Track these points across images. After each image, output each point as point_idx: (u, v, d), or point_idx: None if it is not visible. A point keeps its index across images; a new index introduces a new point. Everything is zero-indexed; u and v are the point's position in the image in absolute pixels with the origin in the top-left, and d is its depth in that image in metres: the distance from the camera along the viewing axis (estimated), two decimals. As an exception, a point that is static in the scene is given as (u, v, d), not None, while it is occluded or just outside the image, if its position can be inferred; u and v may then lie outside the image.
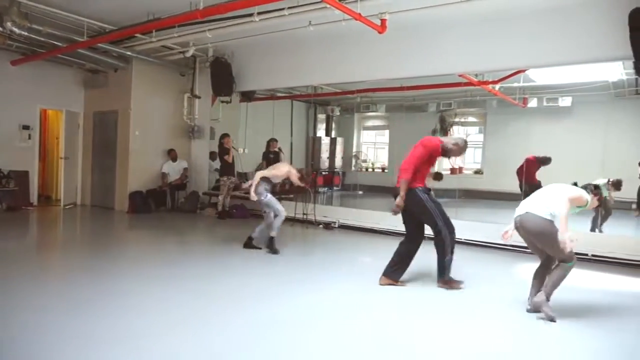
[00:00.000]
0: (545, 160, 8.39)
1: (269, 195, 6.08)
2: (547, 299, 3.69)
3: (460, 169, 12.82)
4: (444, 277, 4.54)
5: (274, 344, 3.14)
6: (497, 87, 9.24)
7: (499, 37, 6.70)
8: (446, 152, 4.61)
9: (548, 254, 3.86)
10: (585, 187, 3.91)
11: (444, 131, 12.99)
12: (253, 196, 5.96)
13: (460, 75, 8.14)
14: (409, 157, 4.47)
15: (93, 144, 10.40)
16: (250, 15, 6.54)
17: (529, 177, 8.31)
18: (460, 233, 6.95)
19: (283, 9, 6.32)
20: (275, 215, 6.06)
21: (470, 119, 13.36)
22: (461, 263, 5.44)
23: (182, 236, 7.71)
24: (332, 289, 4.52)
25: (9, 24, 7.10)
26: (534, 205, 3.76)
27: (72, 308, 3.67)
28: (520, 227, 3.81)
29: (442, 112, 12.57)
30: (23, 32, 7.32)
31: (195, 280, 4.65)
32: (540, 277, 3.89)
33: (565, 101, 10.49)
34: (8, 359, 2.75)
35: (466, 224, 7.43)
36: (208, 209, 9.51)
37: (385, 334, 3.38)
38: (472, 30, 6.86)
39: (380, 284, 4.57)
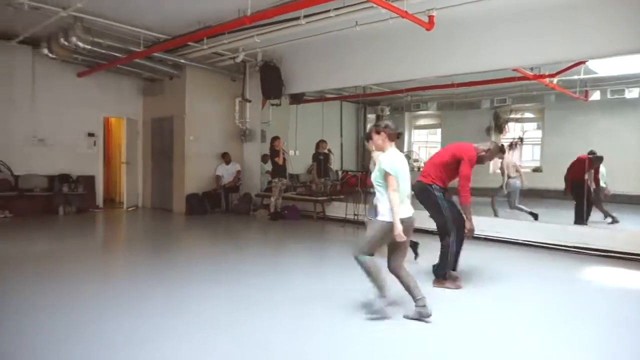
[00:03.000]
0: (598, 160, 7.82)
1: None
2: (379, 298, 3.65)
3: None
4: (439, 278, 4.58)
5: (323, 345, 3.15)
6: (554, 80, 8.79)
7: (555, 28, 6.37)
8: (480, 160, 4.66)
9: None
10: None
11: (499, 128, 12.54)
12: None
13: (514, 70, 7.82)
14: (462, 180, 4.46)
15: (152, 149, 10.91)
16: (297, 18, 6.62)
17: (579, 175, 7.80)
18: (517, 233, 6.79)
19: (329, 10, 6.35)
20: None
21: (527, 114, 12.80)
22: (515, 262, 5.26)
23: (237, 237, 7.90)
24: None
25: (74, 39, 7.62)
26: None
27: (126, 306, 3.86)
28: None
29: (497, 109, 12.14)
30: (86, 46, 7.81)
31: (247, 278, 4.76)
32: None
33: (632, 93, 9.82)
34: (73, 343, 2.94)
35: (522, 224, 7.17)
36: (261, 211, 9.69)
37: (436, 336, 3.31)
38: (525, 22, 6.57)
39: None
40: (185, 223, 8.95)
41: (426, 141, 15.44)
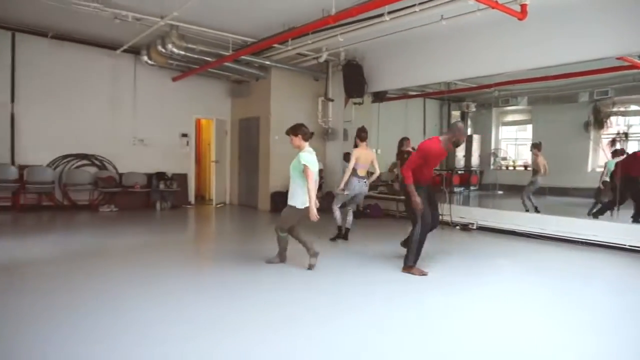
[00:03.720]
0: None
1: None
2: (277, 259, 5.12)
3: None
4: (407, 264, 4.89)
5: (394, 346, 3.10)
6: (669, 68, 7.93)
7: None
8: (455, 143, 4.77)
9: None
10: None
11: (599, 123, 11.55)
12: None
13: (619, 59, 7.16)
14: (405, 165, 4.77)
15: (239, 148, 11.40)
16: (381, 15, 6.57)
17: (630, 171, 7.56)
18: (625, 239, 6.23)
19: (414, 5, 6.23)
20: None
21: (633, 107, 11.66)
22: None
23: (319, 233, 8.00)
24: (466, 292, 4.32)
25: (169, 46, 8.18)
26: None
27: (205, 297, 4.06)
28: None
29: (597, 102, 11.19)
30: (181, 52, 8.36)
31: (322, 276, 4.81)
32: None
33: None
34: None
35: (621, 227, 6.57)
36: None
37: (525, 342, 3.13)
38: (631, 4, 5.99)
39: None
40: (270, 220, 9.22)
41: (515, 138, 14.63)
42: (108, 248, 6.11)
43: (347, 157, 10.26)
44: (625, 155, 8.25)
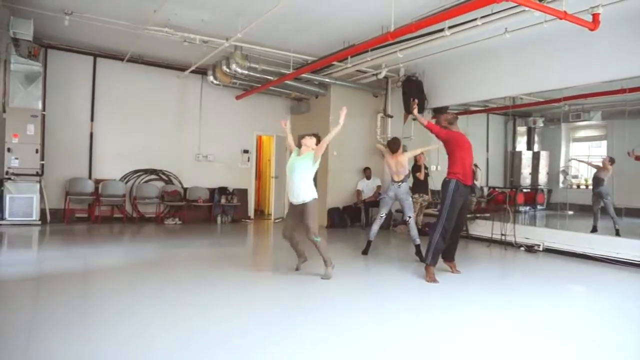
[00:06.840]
0: None
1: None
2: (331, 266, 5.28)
3: None
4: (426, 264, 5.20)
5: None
6: None
7: None
8: (449, 122, 5.67)
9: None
10: None
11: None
12: None
13: None
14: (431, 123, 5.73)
15: (298, 164, 11.56)
16: (441, 30, 6.48)
17: None
18: None
19: (476, 19, 6.10)
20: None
21: None
22: None
23: (376, 251, 7.90)
24: (528, 315, 4.06)
25: (233, 66, 8.52)
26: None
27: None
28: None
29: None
30: (244, 71, 8.69)
31: (374, 295, 4.72)
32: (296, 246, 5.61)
33: None
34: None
35: None
36: (400, 226, 9.59)
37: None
38: None
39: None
40: (327, 236, 9.23)
41: (588, 155, 13.78)
42: (183, 259, 6.36)
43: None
44: None
